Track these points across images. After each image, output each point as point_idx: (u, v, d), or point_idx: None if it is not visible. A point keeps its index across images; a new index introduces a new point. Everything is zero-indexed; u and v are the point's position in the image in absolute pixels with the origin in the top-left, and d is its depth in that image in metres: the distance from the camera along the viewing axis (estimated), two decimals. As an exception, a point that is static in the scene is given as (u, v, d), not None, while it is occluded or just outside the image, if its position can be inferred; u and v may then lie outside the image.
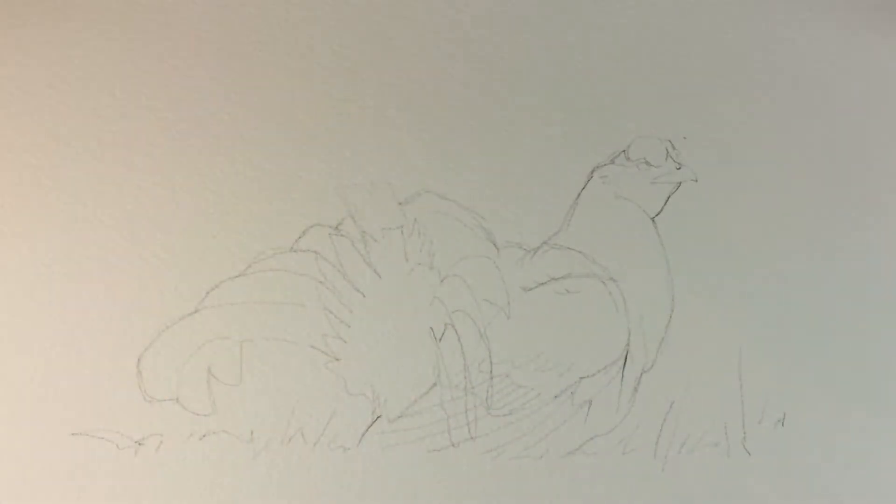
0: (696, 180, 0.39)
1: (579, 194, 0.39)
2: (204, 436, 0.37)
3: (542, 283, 0.39)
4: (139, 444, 0.37)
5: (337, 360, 0.38)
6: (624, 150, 0.39)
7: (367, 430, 0.38)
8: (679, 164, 0.39)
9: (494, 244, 0.39)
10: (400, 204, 0.39)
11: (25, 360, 0.37)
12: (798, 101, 0.40)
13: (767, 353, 0.38)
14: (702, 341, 0.38)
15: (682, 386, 0.38)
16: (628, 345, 0.38)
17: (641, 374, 0.38)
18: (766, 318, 0.39)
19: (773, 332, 0.39)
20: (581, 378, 0.38)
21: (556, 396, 0.38)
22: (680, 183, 0.39)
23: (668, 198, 0.39)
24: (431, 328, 0.38)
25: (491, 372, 0.38)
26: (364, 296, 0.38)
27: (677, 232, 0.39)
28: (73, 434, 0.37)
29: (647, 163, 0.39)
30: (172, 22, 0.39)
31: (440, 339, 0.38)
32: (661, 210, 0.39)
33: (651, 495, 0.38)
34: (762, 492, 0.37)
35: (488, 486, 0.38)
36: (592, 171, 0.39)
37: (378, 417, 0.38)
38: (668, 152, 0.39)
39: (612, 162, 0.39)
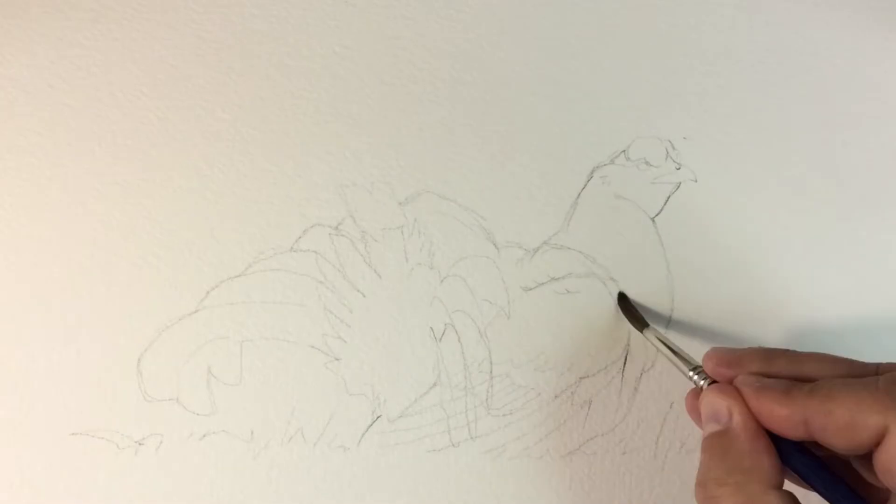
0: (696, 180, 0.39)
1: (579, 194, 0.39)
2: (204, 436, 0.37)
3: (542, 283, 0.39)
4: (139, 444, 0.37)
5: (337, 360, 0.38)
6: (624, 150, 0.39)
7: (367, 430, 0.38)
8: (679, 164, 0.39)
9: (494, 244, 0.39)
10: (400, 204, 0.39)
11: (25, 360, 0.37)
12: (799, 102, 0.40)
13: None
14: (702, 341, 0.38)
15: (682, 386, 0.38)
16: (628, 345, 0.38)
17: (641, 374, 0.38)
18: (764, 318, 0.39)
19: (771, 332, 0.39)
20: (581, 378, 0.38)
21: (556, 396, 0.38)
22: (680, 183, 0.39)
23: (669, 198, 0.39)
24: (431, 328, 0.38)
25: (491, 372, 0.38)
26: (364, 296, 0.38)
27: (677, 232, 0.39)
28: (73, 434, 0.37)
29: (647, 163, 0.39)
30: (172, 22, 0.39)
31: (440, 339, 0.38)
32: (661, 210, 0.39)
33: (651, 495, 0.38)
34: (762, 492, 0.37)
35: (488, 486, 0.38)
36: (592, 171, 0.39)
37: (378, 417, 0.38)
38: (668, 152, 0.39)
39: (612, 162, 0.39)
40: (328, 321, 0.38)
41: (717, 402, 0.29)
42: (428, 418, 0.38)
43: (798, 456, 0.28)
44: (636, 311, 0.37)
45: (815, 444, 0.28)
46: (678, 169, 0.39)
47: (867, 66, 0.40)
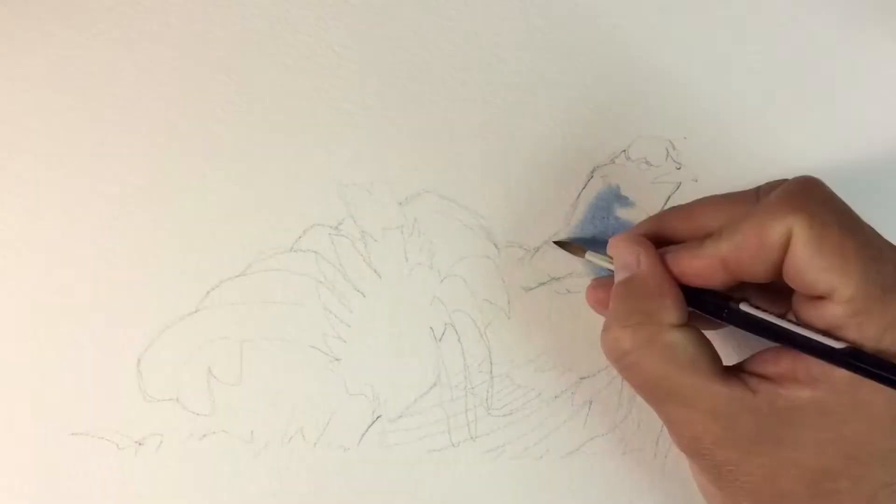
0: (697, 180, 0.39)
1: (579, 194, 0.39)
2: (204, 436, 0.37)
3: (543, 283, 0.39)
4: (139, 444, 0.37)
5: (337, 360, 0.38)
6: (624, 150, 0.39)
7: (367, 430, 0.38)
8: (679, 163, 0.39)
9: (494, 244, 0.39)
10: (400, 204, 0.39)
11: (25, 360, 0.37)
12: (800, 102, 0.40)
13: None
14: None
15: (683, 386, 0.38)
16: (628, 345, 0.38)
17: (641, 374, 0.38)
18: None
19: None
20: (581, 378, 0.38)
21: (556, 397, 0.38)
22: (680, 183, 0.39)
23: (669, 198, 0.39)
24: (431, 328, 0.38)
25: (491, 372, 0.38)
26: (364, 296, 0.38)
27: (677, 232, 0.39)
28: (73, 434, 0.37)
29: (648, 163, 0.39)
30: (172, 22, 0.39)
31: (440, 339, 0.38)
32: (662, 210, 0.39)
33: (651, 495, 0.38)
34: (762, 492, 0.37)
35: (488, 486, 0.38)
36: (592, 171, 0.39)
37: (378, 417, 0.38)
38: (668, 152, 0.39)
39: (613, 162, 0.39)
40: (328, 321, 0.38)
41: (625, 252, 0.32)
42: (428, 418, 0.38)
43: (719, 302, 0.30)
44: (569, 245, 0.38)
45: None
46: (678, 169, 0.39)
47: (869, 67, 0.40)
